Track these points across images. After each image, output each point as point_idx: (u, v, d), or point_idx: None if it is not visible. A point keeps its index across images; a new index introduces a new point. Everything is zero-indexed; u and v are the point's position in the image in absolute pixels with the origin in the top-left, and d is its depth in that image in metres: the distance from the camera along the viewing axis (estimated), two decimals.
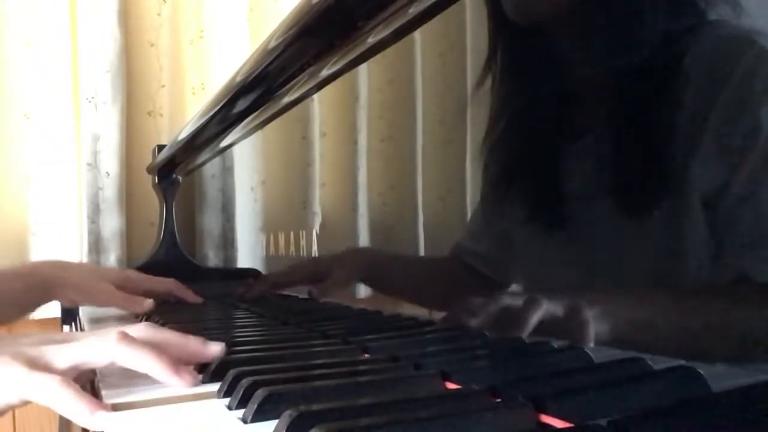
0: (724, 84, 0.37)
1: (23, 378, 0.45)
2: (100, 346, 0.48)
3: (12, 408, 0.46)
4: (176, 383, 0.47)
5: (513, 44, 0.51)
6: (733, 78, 0.37)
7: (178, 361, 0.48)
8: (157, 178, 1.36)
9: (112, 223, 1.43)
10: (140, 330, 0.51)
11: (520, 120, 0.51)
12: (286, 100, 0.81)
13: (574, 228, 0.46)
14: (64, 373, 0.46)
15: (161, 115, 1.51)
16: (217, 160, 1.27)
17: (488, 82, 0.53)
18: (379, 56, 0.66)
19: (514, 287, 0.52)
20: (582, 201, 0.45)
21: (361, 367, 0.49)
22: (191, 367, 0.50)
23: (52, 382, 0.44)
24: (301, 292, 0.92)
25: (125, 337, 0.48)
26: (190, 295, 1.02)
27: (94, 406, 0.43)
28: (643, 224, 0.40)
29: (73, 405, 0.43)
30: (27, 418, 1.45)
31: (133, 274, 1.02)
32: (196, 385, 0.47)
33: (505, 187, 0.53)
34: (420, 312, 0.65)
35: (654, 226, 0.39)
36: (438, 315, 0.62)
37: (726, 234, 0.36)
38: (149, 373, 0.47)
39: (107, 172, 1.43)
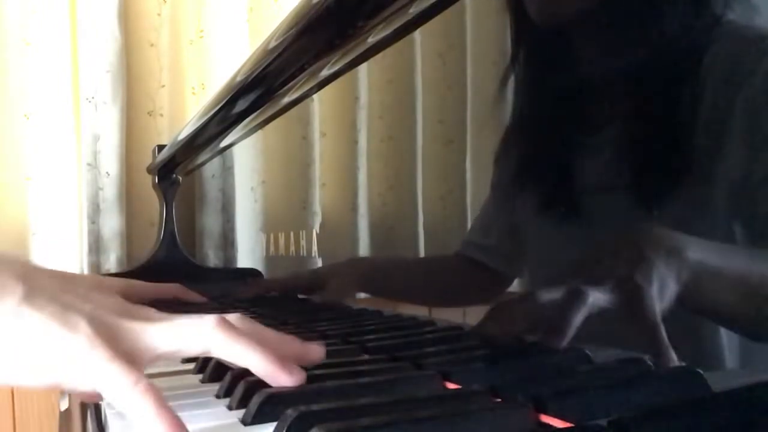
0: (743, 82, 0.37)
1: (101, 366, 0.37)
2: (194, 332, 0.40)
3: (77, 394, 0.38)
4: (285, 380, 0.40)
5: (535, 43, 0.51)
6: (753, 76, 0.37)
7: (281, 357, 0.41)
8: (157, 178, 1.36)
9: (112, 223, 1.43)
10: (236, 319, 0.43)
11: (536, 114, 0.51)
12: (286, 100, 0.81)
13: (588, 221, 0.46)
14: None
15: (161, 115, 1.51)
16: (217, 160, 1.27)
17: (510, 80, 0.53)
18: (379, 56, 0.66)
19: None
20: (597, 195, 0.45)
21: (361, 367, 0.49)
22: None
23: (134, 388, 0.36)
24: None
25: (224, 322, 0.41)
26: (196, 297, 1.01)
27: (175, 425, 0.36)
28: (657, 219, 0.40)
29: (152, 419, 0.36)
30: (27, 417, 1.45)
31: (137, 284, 1.01)
32: (303, 382, 0.41)
33: (520, 180, 0.52)
34: (420, 312, 0.65)
35: (669, 221, 0.39)
36: (440, 314, 0.62)
37: (749, 227, 0.36)
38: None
39: (107, 172, 1.43)
